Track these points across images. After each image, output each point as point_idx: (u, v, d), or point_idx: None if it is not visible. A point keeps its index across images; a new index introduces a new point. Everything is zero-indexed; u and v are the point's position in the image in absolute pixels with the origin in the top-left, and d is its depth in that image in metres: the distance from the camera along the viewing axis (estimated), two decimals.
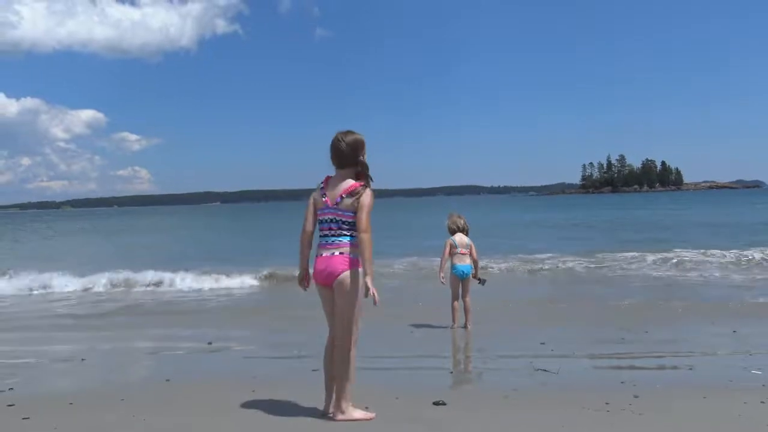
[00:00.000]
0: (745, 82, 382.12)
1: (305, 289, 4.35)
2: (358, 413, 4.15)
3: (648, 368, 5.97)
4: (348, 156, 4.05)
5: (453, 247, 7.66)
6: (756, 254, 14.40)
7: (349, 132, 4.08)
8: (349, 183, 4.04)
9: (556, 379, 5.34)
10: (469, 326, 7.72)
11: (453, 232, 7.74)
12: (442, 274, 7.68)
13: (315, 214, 4.17)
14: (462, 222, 7.78)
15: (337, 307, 4.08)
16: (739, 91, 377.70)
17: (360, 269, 3.98)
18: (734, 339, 7.03)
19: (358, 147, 4.06)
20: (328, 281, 4.07)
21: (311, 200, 4.18)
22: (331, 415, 4.20)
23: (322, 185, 4.15)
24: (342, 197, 4.02)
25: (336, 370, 4.13)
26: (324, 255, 4.07)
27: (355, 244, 4.01)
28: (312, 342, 6.88)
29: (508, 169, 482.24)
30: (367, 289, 3.89)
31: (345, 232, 4.04)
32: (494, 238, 21.71)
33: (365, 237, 3.90)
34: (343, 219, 4.03)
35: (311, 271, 4.22)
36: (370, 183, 4.08)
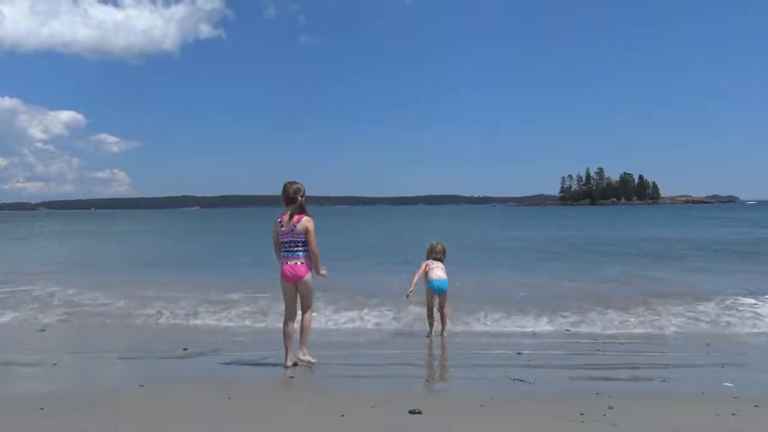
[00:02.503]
0: (723, 97, 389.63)
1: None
2: (310, 357, 6.25)
3: (623, 379, 6.03)
4: (292, 198, 6.13)
5: (428, 265, 7.90)
6: None
7: (294, 182, 6.22)
8: (297, 216, 6.12)
9: (532, 389, 5.36)
10: (444, 334, 7.83)
11: (429, 258, 8.05)
12: (411, 289, 7.80)
13: (278, 238, 6.22)
14: (440, 248, 8.11)
15: (302, 296, 6.25)
16: (716, 107, 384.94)
17: (311, 272, 6.20)
18: (708, 352, 7.13)
19: (298, 192, 6.14)
20: (294, 281, 6.17)
21: (274, 230, 6.24)
22: (298, 358, 6.21)
23: (279, 220, 6.16)
24: (295, 225, 6.10)
25: (305, 328, 6.26)
26: (290, 264, 6.14)
27: (307, 256, 6.16)
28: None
29: (488, 180, 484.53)
30: (321, 274, 6.23)
31: (300, 248, 6.13)
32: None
33: (316, 251, 6.16)
34: (298, 240, 6.12)
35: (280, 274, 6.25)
36: (309, 214, 6.16)
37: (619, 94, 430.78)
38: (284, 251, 6.17)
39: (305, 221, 6.11)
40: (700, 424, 4.34)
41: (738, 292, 11.43)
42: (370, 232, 42.70)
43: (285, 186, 6.23)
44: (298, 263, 6.11)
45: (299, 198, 6.15)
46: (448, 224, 53.69)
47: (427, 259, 8.04)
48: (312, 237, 6.11)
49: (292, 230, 6.10)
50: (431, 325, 7.93)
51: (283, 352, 6.20)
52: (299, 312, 6.33)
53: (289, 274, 6.13)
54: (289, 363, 6.14)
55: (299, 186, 6.22)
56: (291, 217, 6.11)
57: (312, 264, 6.18)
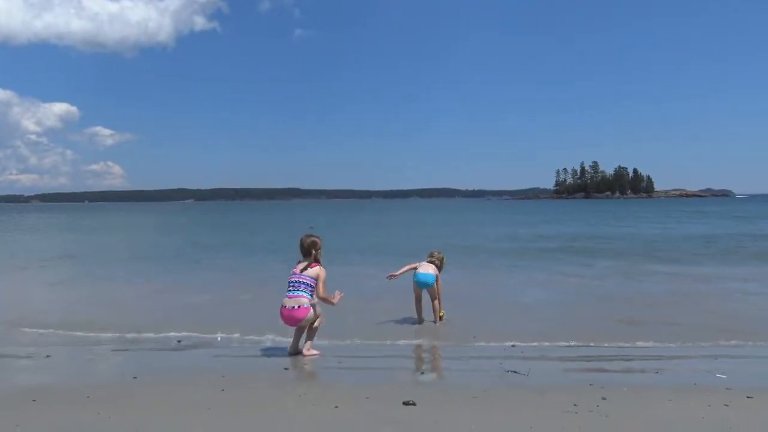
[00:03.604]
0: (718, 93, 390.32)
1: None
2: (315, 351, 6.46)
3: (616, 371, 6.04)
4: (308, 251, 6.45)
5: (420, 263, 8.38)
6: None
7: (310, 235, 6.58)
8: (311, 265, 6.36)
9: (525, 381, 5.37)
10: (436, 322, 8.19)
11: (426, 260, 8.51)
12: (393, 273, 8.23)
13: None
14: (437, 255, 8.56)
15: (306, 325, 6.41)
16: (711, 102, 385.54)
17: (312, 310, 6.28)
18: (700, 343, 7.15)
19: (313, 245, 6.46)
20: (291, 324, 6.39)
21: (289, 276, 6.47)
22: (301, 351, 6.42)
23: (296, 264, 6.43)
24: (305, 268, 6.34)
25: (310, 332, 6.46)
26: (287, 306, 6.28)
27: (309, 297, 6.27)
28: (282, 341, 6.85)
29: (483, 173, 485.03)
30: (334, 304, 6.47)
31: (302, 289, 6.28)
32: None
33: (323, 297, 6.32)
34: (303, 280, 6.32)
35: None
36: (323, 265, 6.44)
37: (615, 89, 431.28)
38: (288, 289, 6.32)
39: (317, 269, 6.37)
40: (692, 415, 4.36)
41: (730, 285, 11.49)
42: (364, 229, 42.69)
43: (301, 239, 6.56)
44: (295, 306, 6.23)
45: (313, 251, 6.42)
46: (445, 219, 53.69)
47: (425, 261, 8.51)
48: (321, 285, 6.30)
49: (301, 272, 6.35)
50: (419, 313, 8.38)
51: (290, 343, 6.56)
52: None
53: (285, 316, 6.30)
54: (290, 350, 6.47)
55: (314, 240, 6.50)
56: (305, 269, 6.35)
57: (320, 303, 6.37)
